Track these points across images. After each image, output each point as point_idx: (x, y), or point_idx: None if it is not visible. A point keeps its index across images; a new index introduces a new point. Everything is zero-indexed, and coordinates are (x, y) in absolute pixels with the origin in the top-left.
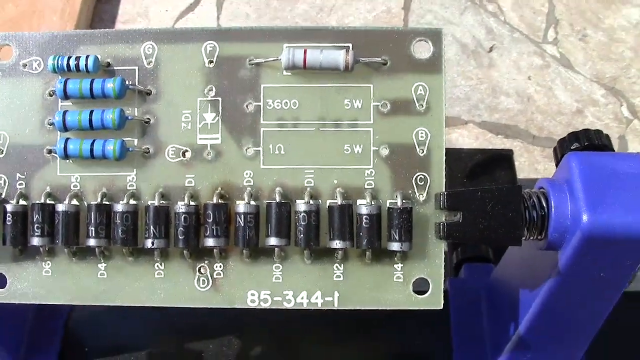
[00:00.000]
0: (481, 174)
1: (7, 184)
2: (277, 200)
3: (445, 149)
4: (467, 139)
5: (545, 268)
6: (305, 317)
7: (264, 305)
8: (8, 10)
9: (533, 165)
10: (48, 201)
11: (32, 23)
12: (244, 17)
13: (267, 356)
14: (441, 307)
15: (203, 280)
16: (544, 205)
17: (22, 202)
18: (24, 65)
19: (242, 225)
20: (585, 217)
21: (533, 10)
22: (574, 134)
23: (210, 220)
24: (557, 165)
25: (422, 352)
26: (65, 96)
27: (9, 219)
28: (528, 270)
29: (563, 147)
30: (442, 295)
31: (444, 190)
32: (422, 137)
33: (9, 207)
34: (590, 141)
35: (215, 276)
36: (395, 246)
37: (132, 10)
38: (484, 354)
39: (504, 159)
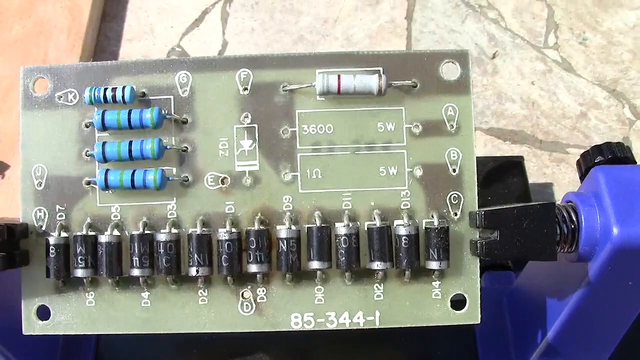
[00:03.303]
0: (494, 181)
1: (47, 215)
2: (318, 225)
3: None
4: (476, 146)
5: (575, 279)
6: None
7: (307, 328)
8: (15, 31)
9: (541, 169)
10: (89, 232)
11: (40, 43)
12: (250, 32)
13: None
14: (479, 322)
15: (247, 305)
16: (574, 219)
17: (63, 233)
18: (59, 98)
19: (285, 250)
20: (615, 230)
21: (533, 15)
22: (597, 147)
23: (253, 247)
24: (580, 178)
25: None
26: (104, 127)
27: (52, 251)
28: (556, 280)
29: (587, 160)
30: (479, 310)
31: (477, 207)
32: (454, 156)
33: (51, 240)
34: (613, 154)
35: (258, 300)
36: (434, 265)
37: (137, 27)
38: None
39: (515, 165)
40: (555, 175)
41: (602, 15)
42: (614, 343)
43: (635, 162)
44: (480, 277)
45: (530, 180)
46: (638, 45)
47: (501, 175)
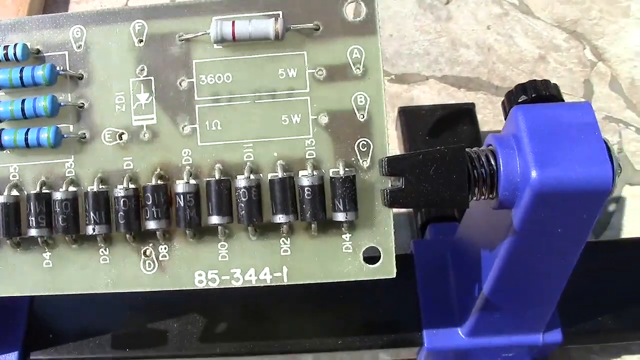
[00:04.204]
0: (443, 130)
1: None
2: (217, 178)
3: (405, 107)
4: (429, 94)
5: (502, 227)
6: (270, 289)
7: (212, 285)
8: None
9: (498, 116)
10: None
11: None
12: None
13: (234, 331)
14: (394, 276)
15: (149, 263)
16: (492, 163)
17: None
18: None
19: (182, 205)
20: (534, 173)
21: None
22: (520, 85)
23: (150, 203)
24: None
25: (390, 316)
26: None
27: None
28: (487, 229)
29: (510, 100)
30: (394, 263)
31: (387, 155)
32: (361, 101)
33: None
34: (537, 92)
35: (160, 258)
36: (340, 216)
37: None
38: (452, 316)
39: (466, 113)
40: None
41: None
42: (556, 295)
43: (563, 101)
44: (425, 228)
45: (486, 127)
46: None
47: (451, 124)
